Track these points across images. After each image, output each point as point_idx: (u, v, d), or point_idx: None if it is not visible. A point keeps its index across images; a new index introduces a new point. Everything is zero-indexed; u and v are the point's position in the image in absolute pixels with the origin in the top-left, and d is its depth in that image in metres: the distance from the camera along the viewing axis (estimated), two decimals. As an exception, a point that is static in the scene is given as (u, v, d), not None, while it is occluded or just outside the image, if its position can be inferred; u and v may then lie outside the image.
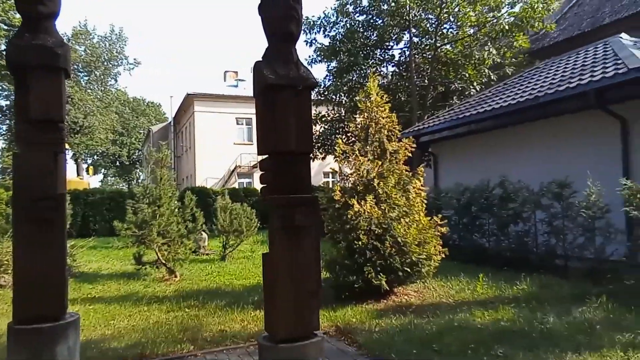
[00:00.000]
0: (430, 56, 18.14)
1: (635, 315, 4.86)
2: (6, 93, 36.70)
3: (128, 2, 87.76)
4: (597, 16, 17.24)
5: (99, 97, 38.84)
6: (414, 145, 6.97)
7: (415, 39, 18.48)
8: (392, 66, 20.14)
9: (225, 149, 31.01)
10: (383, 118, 6.88)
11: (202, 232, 11.69)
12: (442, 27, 17.96)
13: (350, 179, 6.85)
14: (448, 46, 18.16)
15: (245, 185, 29.18)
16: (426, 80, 18.58)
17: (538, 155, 9.57)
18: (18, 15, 26.21)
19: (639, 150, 7.85)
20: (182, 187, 30.42)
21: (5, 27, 25.09)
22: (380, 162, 6.61)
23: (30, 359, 3.41)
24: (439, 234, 6.55)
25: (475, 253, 9.00)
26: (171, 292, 7.44)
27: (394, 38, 19.08)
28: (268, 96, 3.83)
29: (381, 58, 19.69)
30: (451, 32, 18.47)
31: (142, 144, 52.41)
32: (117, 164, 57.58)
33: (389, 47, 19.50)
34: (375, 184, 6.41)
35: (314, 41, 19.00)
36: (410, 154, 6.88)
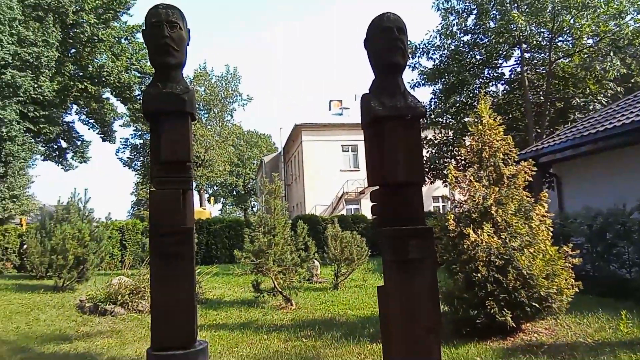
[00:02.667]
0: (544, 71, 16.95)
1: None
2: (140, 133, 41.69)
3: (239, 41, 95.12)
4: None
5: (217, 132, 42.22)
6: (534, 169, 6.46)
7: (527, 55, 17.46)
8: (503, 84, 19.19)
9: (332, 176, 31.68)
10: (497, 141, 6.50)
11: (314, 261, 11.92)
12: (556, 41, 16.73)
13: (464, 206, 6.52)
14: (564, 60, 16.84)
15: (352, 212, 29.40)
16: (542, 97, 17.35)
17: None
18: (149, 63, 29.82)
19: None
20: (293, 215, 31.62)
21: (139, 75, 28.62)
22: (496, 188, 6.22)
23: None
24: (570, 265, 5.92)
25: (614, 286, 7.96)
26: (288, 321, 7.61)
27: (502, 55, 18.23)
28: (376, 128, 3.82)
29: (490, 77, 18.87)
30: (566, 44, 17.13)
31: (256, 173, 55.62)
32: (234, 193, 61.64)
33: (498, 65, 18.64)
34: (492, 212, 6.02)
35: (417, 65, 18.86)
36: (530, 178, 6.39)
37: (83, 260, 10.41)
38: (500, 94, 19.00)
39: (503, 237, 5.92)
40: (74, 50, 26.72)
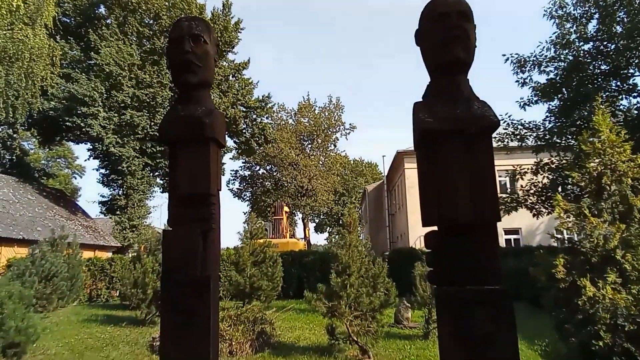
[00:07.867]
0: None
1: None
2: (249, 165, 43.72)
3: (340, 70, 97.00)
4: None
5: (321, 162, 42.57)
6: (680, 198, 4.78)
7: (668, 60, 14.61)
8: (636, 97, 16.27)
9: (437, 206, 29.69)
10: (623, 162, 4.96)
11: (405, 302, 10.64)
12: None
13: (579, 247, 5.02)
14: None
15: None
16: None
17: None
18: (253, 97, 31.13)
19: None
20: (398, 245, 30.14)
21: (244, 109, 29.95)
22: (623, 225, 4.66)
23: None
24: None
25: None
26: (360, 379, 6.53)
27: (634, 63, 15.47)
28: (427, 146, 2.82)
29: (619, 88, 16.12)
30: None
31: (360, 203, 54.92)
32: (340, 222, 61.53)
33: (629, 75, 15.87)
34: (618, 256, 4.49)
35: (529, 79, 16.73)
36: (674, 211, 4.72)
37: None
38: (634, 110, 16.10)
39: (634, 291, 4.35)
40: (186, 89, 28.98)
